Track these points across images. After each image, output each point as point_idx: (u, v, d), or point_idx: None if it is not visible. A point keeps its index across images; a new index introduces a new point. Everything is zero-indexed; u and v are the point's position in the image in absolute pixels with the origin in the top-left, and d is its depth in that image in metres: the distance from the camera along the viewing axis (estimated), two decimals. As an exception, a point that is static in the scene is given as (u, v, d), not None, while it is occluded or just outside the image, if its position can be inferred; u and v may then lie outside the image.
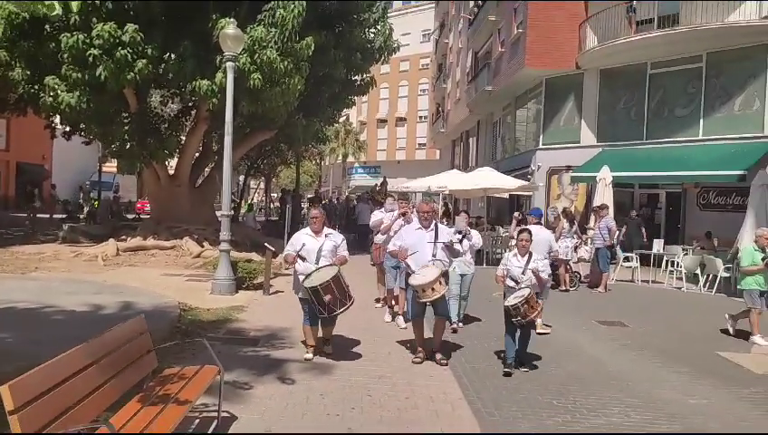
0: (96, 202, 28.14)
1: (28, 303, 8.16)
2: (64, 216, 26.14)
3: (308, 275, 6.40)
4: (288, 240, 14.81)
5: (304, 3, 13.64)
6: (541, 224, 10.01)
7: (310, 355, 6.69)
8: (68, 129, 19.08)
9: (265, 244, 11.65)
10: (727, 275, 13.90)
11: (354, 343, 7.56)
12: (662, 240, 16.71)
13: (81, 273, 12.00)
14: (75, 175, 38.60)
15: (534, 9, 22.06)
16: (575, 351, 7.95)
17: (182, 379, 4.31)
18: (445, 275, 6.78)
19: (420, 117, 62.70)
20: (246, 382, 5.73)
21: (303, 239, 6.79)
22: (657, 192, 21.03)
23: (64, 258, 13.81)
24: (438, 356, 6.81)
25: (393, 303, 9.03)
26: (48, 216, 25.43)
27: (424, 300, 6.54)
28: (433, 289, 6.45)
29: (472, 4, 33.37)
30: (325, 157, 45.48)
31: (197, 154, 18.34)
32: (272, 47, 13.42)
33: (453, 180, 17.70)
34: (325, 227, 6.91)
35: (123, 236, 16.24)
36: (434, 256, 6.77)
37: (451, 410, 5.40)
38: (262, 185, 38.99)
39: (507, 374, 6.45)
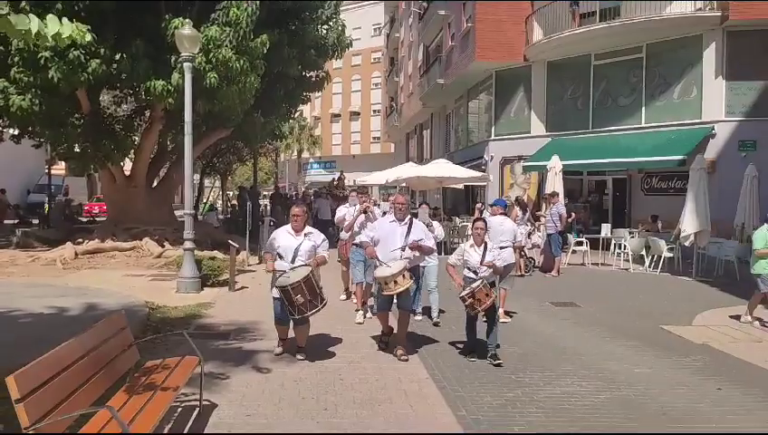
0: (46, 206, 27.49)
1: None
2: (16, 221, 25.50)
3: (281, 275, 6.28)
4: (249, 238, 15.04)
5: (257, 2, 13.77)
6: (505, 214, 10.08)
7: (279, 349, 6.68)
8: (16, 132, 18.70)
9: (229, 241, 11.79)
10: (670, 255, 14.71)
11: (323, 337, 7.56)
12: (609, 224, 17.50)
13: (41, 277, 11.92)
14: (22, 179, 37.50)
15: (483, 4, 22.61)
16: (531, 331, 8.44)
17: (165, 369, 4.55)
18: (414, 269, 6.80)
19: (374, 111, 62.99)
20: (222, 373, 5.98)
21: (282, 237, 6.58)
22: (604, 179, 21.91)
23: (21, 263, 13.63)
24: (399, 352, 6.69)
25: (361, 300, 8.89)
26: (-2, 221, 24.77)
27: (386, 293, 6.54)
28: (396, 282, 6.41)
29: (421, -2, 33.85)
30: (281, 153, 45.30)
31: (153, 154, 18.23)
32: (227, 46, 13.50)
33: (409, 172, 18.11)
34: (306, 226, 6.70)
35: (80, 239, 16.05)
36: (402, 249, 6.70)
37: (418, 389, 5.76)
38: (217, 183, 38.64)
39: (472, 361, 6.65)
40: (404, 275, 6.47)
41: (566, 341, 7.91)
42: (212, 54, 13.37)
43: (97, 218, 29.07)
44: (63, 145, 15.65)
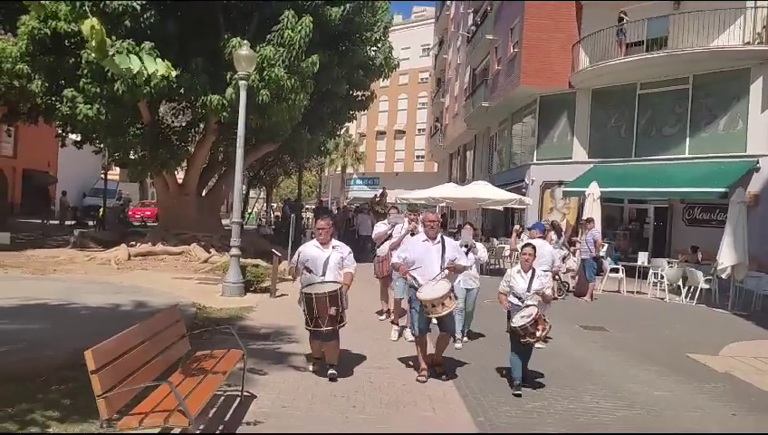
0: (102, 210, 28.84)
1: (56, 300, 8.90)
2: (74, 222, 26.86)
3: (311, 284, 6.32)
4: (292, 248, 15.64)
5: (311, 25, 14.48)
6: (543, 238, 9.94)
7: (314, 367, 6.57)
8: (78, 138, 19.88)
9: (273, 250, 12.40)
10: (708, 286, 14.67)
11: (357, 356, 7.40)
12: (647, 253, 17.51)
13: (97, 275, 12.74)
14: (79, 182, 39.32)
15: (530, 30, 22.98)
16: (557, 351, 8.69)
17: (213, 359, 5.07)
18: (452, 289, 6.61)
19: (419, 130, 63.64)
20: (261, 369, 6.48)
21: (310, 251, 6.57)
22: (645, 207, 21.87)
23: (79, 262, 14.54)
24: (440, 370, 6.62)
25: (398, 316, 8.81)
26: (58, 222, 26.15)
27: (433, 316, 6.35)
28: (443, 304, 6.24)
29: (470, 21, 34.38)
30: (325, 168, 46.22)
31: (204, 165, 19.12)
32: (279, 65, 14.26)
33: (450, 193, 18.51)
34: (333, 239, 6.71)
35: (133, 242, 16.98)
36: (441, 269, 6.54)
37: (442, 395, 6.14)
38: (262, 195, 39.71)
39: (517, 395, 6.23)
40: (450, 297, 6.32)
41: (592, 363, 8.15)
42: (265, 73, 14.13)
43: (138, 223, 30.35)
44: (122, 152, 16.62)
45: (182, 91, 14.86)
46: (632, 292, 15.87)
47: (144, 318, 7.46)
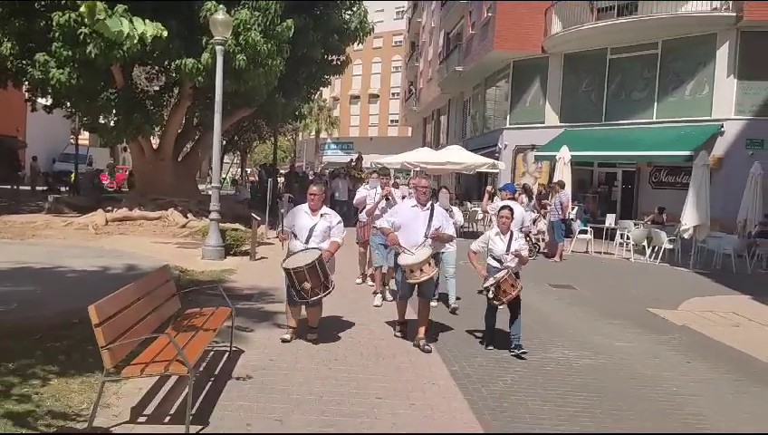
0: (73, 175, 28.51)
1: (40, 264, 9.04)
2: (45, 188, 26.57)
3: (292, 255, 6.25)
4: (268, 213, 15.82)
5: (286, -13, 14.43)
6: (514, 199, 9.99)
7: (287, 336, 6.37)
8: (48, 102, 19.59)
9: (252, 214, 12.61)
10: (671, 246, 15.31)
11: (336, 319, 7.48)
12: (614, 215, 18.11)
13: (75, 240, 12.84)
14: (48, 147, 38.61)
15: (503, -6, 23.09)
16: (526, 307, 9.01)
17: (203, 316, 5.36)
18: (435, 256, 6.61)
19: (393, 94, 63.42)
20: (247, 326, 6.79)
21: (298, 216, 6.50)
22: (614, 171, 22.45)
23: (56, 227, 14.57)
24: (422, 342, 6.46)
25: (381, 284, 8.77)
26: (29, 187, 25.85)
27: (412, 281, 6.35)
28: (422, 270, 6.26)
29: (445, -16, 34.22)
30: (299, 132, 46.05)
31: (180, 130, 19.05)
32: (255, 29, 14.21)
33: (425, 157, 18.79)
34: (323, 207, 6.62)
35: (109, 208, 16.97)
36: (425, 236, 6.49)
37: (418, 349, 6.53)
38: (236, 160, 39.51)
39: (489, 350, 6.54)
40: (429, 263, 6.33)
41: (557, 317, 8.64)
42: (241, 37, 14.07)
43: (111, 189, 30.11)
44: (95, 117, 16.50)
45: (156, 54, 14.75)
46: (600, 252, 16.47)
47: (130, 281, 7.73)
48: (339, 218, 6.63)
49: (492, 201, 12.99)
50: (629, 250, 15.90)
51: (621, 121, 20.94)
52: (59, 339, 5.71)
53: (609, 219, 17.72)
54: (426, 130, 44.18)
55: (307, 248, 6.26)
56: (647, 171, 20.93)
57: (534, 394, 5.36)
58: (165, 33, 4.01)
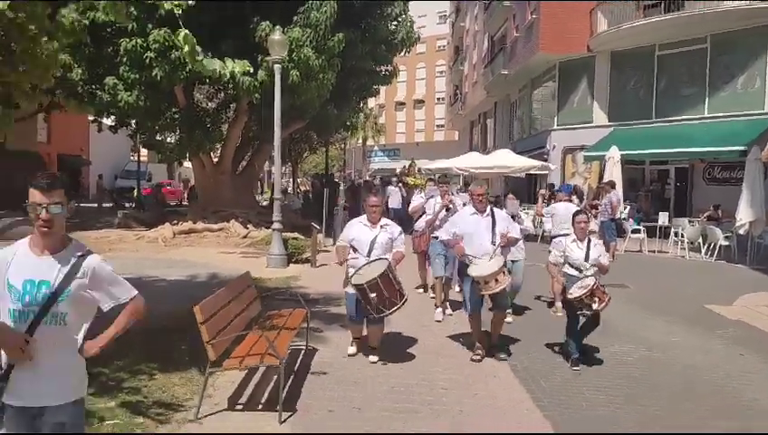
0: (136, 191, 29.95)
1: (127, 274, 9.78)
2: (111, 204, 28.01)
3: (357, 270, 5.92)
4: (325, 222, 16.41)
5: (335, 5, 15.06)
6: (571, 200, 9.78)
7: (353, 349, 6.31)
8: (110, 123, 20.80)
9: (312, 224, 13.24)
10: (727, 243, 15.21)
11: (398, 336, 7.18)
12: (667, 213, 18.05)
13: (148, 252, 13.75)
14: (110, 164, 40.55)
15: (547, -4, 23.25)
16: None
17: (282, 317, 5.94)
18: (506, 264, 6.34)
19: (438, 99, 63.72)
20: (318, 328, 7.33)
21: (356, 229, 6.27)
22: (666, 168, 22.26)
23: (129, 241, 15.55)
24: (502, 356, 6.38)
25: (441, 295, 8.45)
26: (96, 205, 27.34)
27: (485, 292, 6.09)
28: (497, 280, 5.98)
29: (487, -11, 34.46)
30: (348, 141, 46.97)
31: (237, 144, 19.94)
32: (307, 46, 14.91)
33: (473, 162, 19.13)
34: (383, 218, 6.40)
35: (174, 221, 17.94)
36: (493, 243, 6.23)
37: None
38: (287, 170, 40.56)
39: (576, 371, 6.09)
40: (504, 272, 6.08)
41: (611, 315, 8.78)
42: (294, 54, 14.77)
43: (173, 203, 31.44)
44: (160, 135, 17.52)
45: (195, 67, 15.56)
46: (653, 251, 16.46)
47: (205, 289, 8.43)
48: (399, 229, 6.44)
49: (546, 203, 13.08)
50: (684, 248, 15.87)
51: (672, 118, 20.78)
52: (154, 340, 6.37)
53: (663, 217, 17.67)
54: (472, 133, 44.35)
55: (370, 261, 5.99)
56: (700, 168, 20.70)
57: (590, 384, 5.71)
58: (251, 70, 4.58)
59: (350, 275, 6.01)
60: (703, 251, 15.54)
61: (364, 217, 6.39)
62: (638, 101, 22.03)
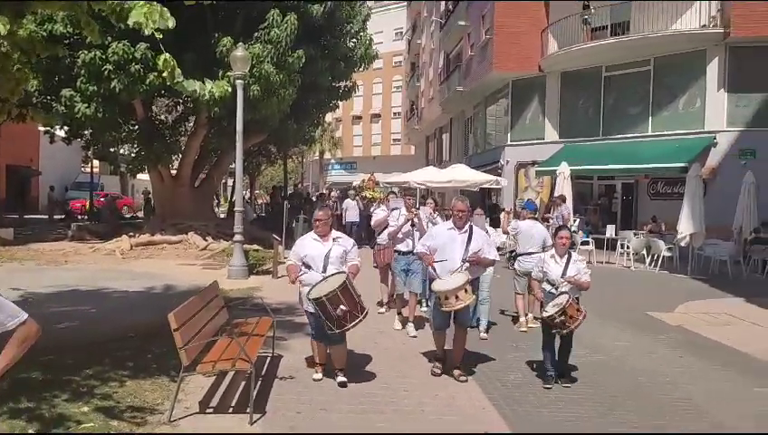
0: (88, 203, 29.41)
1: (85, 287, 9.84)
2: (63, 216, 27.44)
3: (314, 286, 5.63)
4: (285, 234, 16.57)
5: (296, 22, 15.36)
6: (536, 218, 9.67)
7: (319, 375, 5.94)
8: (63, 134, 20.50)
9: (273, 236, 13.41)
10: (669, 254, 16.03)
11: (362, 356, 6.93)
12: (614, 226, 18.89)
13: (106, 264, 13.66)
14: (60, 176, 39.63)
15: (501, 16, 24.05)
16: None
17: (249, 324, 6.15)
18: (473, 282, 6.21)
19: (394, 113, 64.42)
20: (282, 336, 7.53)
21: (308, 245, 5.99)
22: (613, 183, 23.23)
23: (85, 253, 15.39)
24: (457, 372, 6.21)
25: (402, 309, 8.33)
26: (47, 216, 26.74)
27: (446, 309, 6.00)
28: (457, 297, 5.87)
29: (443, 7, 35.29)
30: (305, 154, 47.13)
31: (196, 157, 19.93)
32: (268, 62, 15.13)
33: (430, 176, 19.62)
34: (333, 230, 6.14)
35: (131, 233, 17.81)
36: (463, 261, 6.15)
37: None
38: (245, 183, 40.43)
39: (547, 388, 6.02)
40: (466, 290, 5.94)
41: (562, 322, 9.35)
42: (255, 69, 14.97)
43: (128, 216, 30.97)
44: (114, 147, 17.43)
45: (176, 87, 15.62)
46: (601, 262, 17.17)
47: (169, 299, 8.55)
48: (352, 241, 6.24)
49: (511, 220, 12.59)
50: (630, 259, 16.63)
51: (618, 136, 21.72)
52: (122, 349, 6.49)
53: (610, 230, 18.48)
54: (428, 147, 45.08)
55: (326, 276, 5.72)
56: (644, 183, 21.69)
57: (540, 384, 6.10)
58: (229, 91, 4.84)
59: (306, 292, 5.69)
60: (647, 262, 16.32)
61: (313, 232, 6.12)
62: (587, 119, 22.95)
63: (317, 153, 62.45)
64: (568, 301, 5.92)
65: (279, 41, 15.21)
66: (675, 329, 9.02)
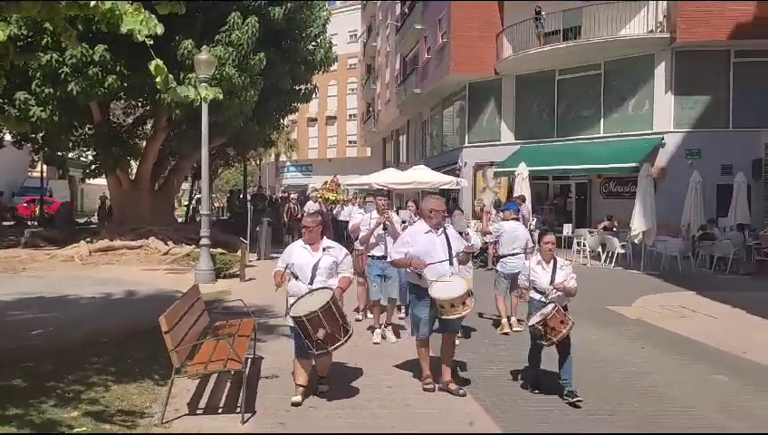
0: (39, 208, 28.55)
1: (50, 293, 9.65)
2: (13, 222, 26.58)
3: (297, 299, 5.39)
4: (249, 237, 16.49)
5: (257, 25, 15.36)
6: (518, 219, 9.38)
7: (299, 398, 5.39)
8: (11, 139, 19.91)
9: (241, 239, 13.39)
10: (623, 251, 16.67)
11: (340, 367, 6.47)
12: (572, 224, 19.50)
13: (66, 271, 13.38)
14: (6, 182, 38.28)
15: (457, 20, 24.50)
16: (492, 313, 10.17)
17: (233, 326, 6.21)
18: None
19: (350, 115, 64.56)
20: (260, 338, 7.59)
21: (295, 253, 5.67)
22: (568, 183, 23.94)
23: (42, 260, 15.00)
24: (453, 386, 5.83)
25: (378, 318, 8.02)
26: (-5, 223, 25.88)
27: (452, 317, 5.66)
28: (464, 304, 5.63)
29: (398, 10, 35.62)
30: (263, 157, 46.83)
31: (155, 160, 19.65)
32: (230, 64, 15.09)
33: (392, 178, 19.86)
34: (324, 239, 5.79)
35: (88, 239, 17.42)
36: (451, 264, 5.83)
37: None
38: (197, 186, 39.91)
39: (536, 393, 5.89)
40: (470, 293, 5.73)
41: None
42: (217, 72, 14.88)
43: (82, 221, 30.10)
44: (74, 151, 17.05)
45: (135, 90, 15.44)
46: (559, 260, 17.70)
47: (138, 305, 8.54)
48: (345, 251, 5.88)
49: (491, 221, 12.37)
50: (586, 256, 17.21)
51: (572, 137, 22.42)
52: (100, 354, 6.46)
53: (567, 229, 19.08)
54: (385, 149, 45.37)
55: (313, 290, 5.44)
56: (597, 182, 22.45)
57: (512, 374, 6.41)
58: (221, 96, 4.93)
59: (290, 304, 5.45)
60: (602, 259, 16.93)
61: (302, 239, 5.83)
62: (542, 121, 23.60)
63: (272, 156, 62.05)
64: (551, 312, 5.65)
65: (240, 43, 15.19)
66: (634, 322, 9.47)
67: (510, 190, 23.27)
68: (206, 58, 12.15)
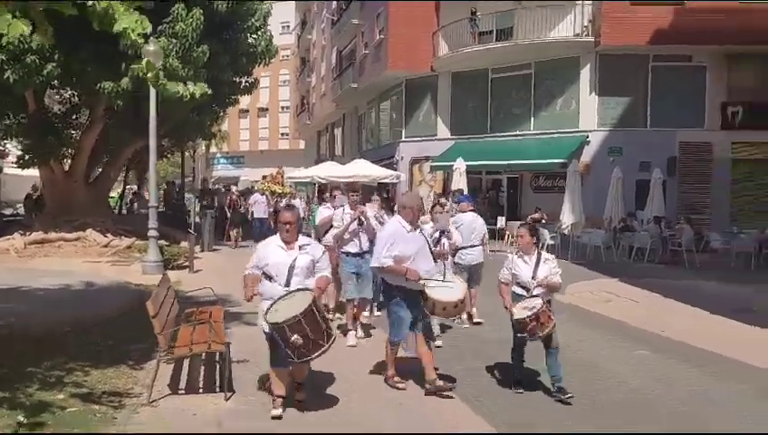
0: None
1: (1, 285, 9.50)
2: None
3: (274, 303, 4.96)
4: (191, 229, 16.47)
5: (201, 17, 15.36)
6: (475, 211, 9.23)
7: (278, 411, 5.01)
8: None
9: (189, 231, 13.47)
10: (552, 242, 17.72)
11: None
12: (503, 217, 20.51)
13: (6, 263, 13.05)
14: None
15: (394, 17, 25.05)
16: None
17: (204, 313, 6.50)
18: None
19: (282, 107, 64.21)
20: (225, 325, 7.88)
21: (271, 252, 5.21)
22: (500, 177, 25.01)
23: (-27, 253, 14.53)
24: (439, 383, 5.66)
25: (353, 320, 7.71)
26: None
27: (445, 317, 5.65)
28: (463, 302, 5.65)
29: (335, 4, 35.79)
30: (197, 148, 45.96)
31: (91, 151, 19.20)
32: (173, 56, 15.03)
33: (333, 171, 20.24)
34: (301, 236, 5.36)
35: (20, 231, 16.91)
36: (435, 262, 5.75)
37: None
38: (134, 177, 38.86)
39: (519, 392, 5.82)
40: (467, 295, 5.64)
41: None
42: (160, 63, 14.82)
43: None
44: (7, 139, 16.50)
45: (74, 79, 15.15)
46: (493, 251, 18.57)
47: (93, 295, 8.67)
48: (322, 249, 5.55)
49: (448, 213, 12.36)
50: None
51: (504, 134, 23.46)
52: (67, 343, 6.61)
53: (500, 222, 20.02)
54: (320, 142, 45.49)
55: (290, 291, 5.03)
56: (528, 177, 23.61)
57: (462, 359, 7.00)
58: (209, 92, 5.23)
59: (263, 309, 5.05)
60: (534, 250, 17.90)
61: (277, 236, 5.34)
62: (476, 118, 24.54)
63: (203, 147, 60.88)
64: (541, 306, 5.52)
65: (185, 35, 15.14)
66: (567, 307, 10.30)
67: (445, 184, 24.18)
68: (154, 49, 12.11)
